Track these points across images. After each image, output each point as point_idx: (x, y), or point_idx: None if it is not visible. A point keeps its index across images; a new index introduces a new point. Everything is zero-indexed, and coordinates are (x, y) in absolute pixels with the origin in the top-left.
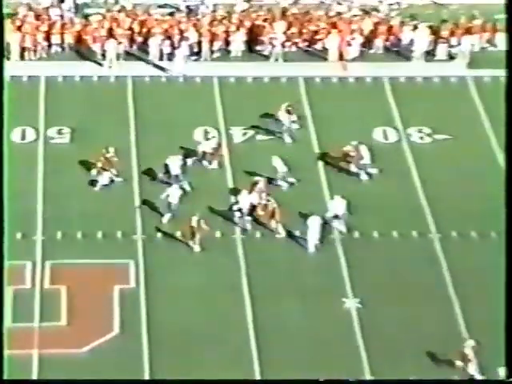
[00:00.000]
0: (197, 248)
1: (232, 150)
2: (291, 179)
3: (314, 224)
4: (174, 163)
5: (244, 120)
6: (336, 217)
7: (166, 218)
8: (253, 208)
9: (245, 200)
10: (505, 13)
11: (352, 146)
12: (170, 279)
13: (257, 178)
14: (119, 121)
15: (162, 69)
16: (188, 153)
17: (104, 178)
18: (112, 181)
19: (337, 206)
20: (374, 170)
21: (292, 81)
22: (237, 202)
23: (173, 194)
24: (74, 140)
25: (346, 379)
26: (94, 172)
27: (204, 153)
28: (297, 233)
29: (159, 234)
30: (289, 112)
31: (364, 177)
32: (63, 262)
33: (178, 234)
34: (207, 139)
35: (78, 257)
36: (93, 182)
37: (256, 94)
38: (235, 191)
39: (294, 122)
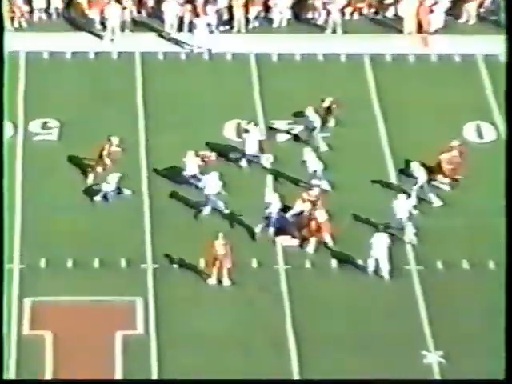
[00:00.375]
0: (226, 281)
1: (274, 152)
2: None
3: (379, 244)
4: (192, 161)
5: (290, 111)
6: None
7: (206, 210)
8: (297, 223)
9: (275, 204)
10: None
11: (455, 150)
12: (190, 323)
13: (313, 183)
14: (124, 111)
15: (180, 43)
16: (220, 149)
17: (108, 184)
18: (119, 189)
19: (401, 207)
20: (433, 197)
21: (354, 59)
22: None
23: (209, 182)
24: (64, 137)
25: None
26: (91, 176)
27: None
28: (358, 260)
29: (181, 262)
30: (328, 111)
31: (437, 202)
32: (48, 299)
33: (201, 262)
34: (244, 131)
35: (67, 292)
36: (90, 191)
37: (307, 76)
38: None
39: (325, 126)
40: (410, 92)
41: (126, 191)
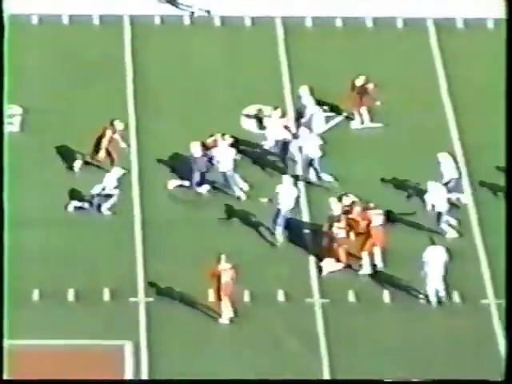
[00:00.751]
0: (228, 312)
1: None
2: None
3: (436, 261)
4: (199, 153)
5: (328, 94)
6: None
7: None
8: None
9: (286, 195)
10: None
11: None
12: (195, 374)
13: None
14: (109, 93)
15: (178, 3)
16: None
17: (108, 181)
18: (99, 205)
19: (434, 192)
20: (452, 221)
21: (414, 25)
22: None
23: (221, 156)
24: (29, 127)
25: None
26: (77, 163)
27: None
28: (417, 288)
29: (179, 295)
30: (363, 91)
31: (448, 230)
32: (7, 343)
33: (210, 293)
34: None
35: (32, 334)
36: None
37: (351, 47)
38: (314, 226)
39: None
40: (488, 68)
41: (105, 211)
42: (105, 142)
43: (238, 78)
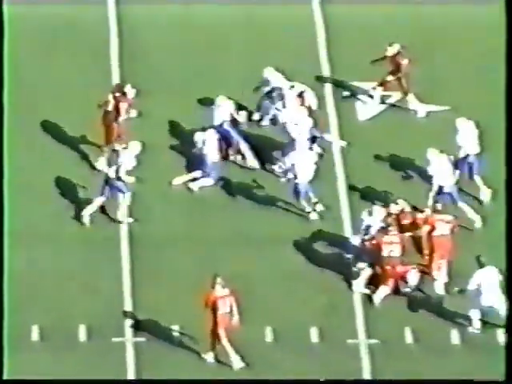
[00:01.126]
0: (236, 362)
1: (350, 136)
2: None
3: (488, 284)
4: (210, 141)
5: (374, 73)
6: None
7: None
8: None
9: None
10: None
11: None
12: None
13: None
14: (88, 69)
15: None
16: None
17: (124, 159)
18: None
19: (441, 175)
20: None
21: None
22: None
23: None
24: None
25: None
26: (102, 161)
27: None
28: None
29: (176, 334)
30: (394, 65)
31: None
32: None
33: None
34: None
35: None
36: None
37: (404, 23)
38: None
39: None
40: None
41: (128, 178)
42: (124, 112)
43: (257, 49)
